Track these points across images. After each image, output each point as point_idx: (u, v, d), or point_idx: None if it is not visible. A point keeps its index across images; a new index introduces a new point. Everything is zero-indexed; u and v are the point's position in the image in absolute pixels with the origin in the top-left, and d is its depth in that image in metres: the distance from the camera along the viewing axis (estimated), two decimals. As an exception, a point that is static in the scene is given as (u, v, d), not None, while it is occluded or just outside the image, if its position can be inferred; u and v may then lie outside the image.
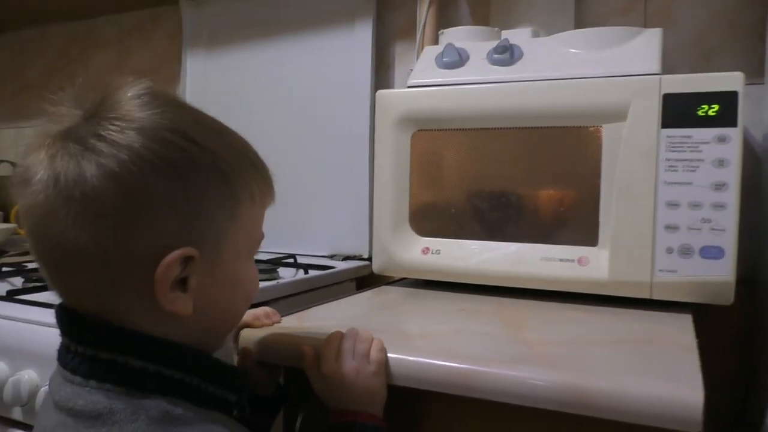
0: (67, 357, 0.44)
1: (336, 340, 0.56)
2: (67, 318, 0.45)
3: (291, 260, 1.17)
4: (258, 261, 1.14)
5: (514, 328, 0.65)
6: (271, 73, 1.32)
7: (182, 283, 0.43)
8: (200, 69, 1.42)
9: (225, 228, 0.45)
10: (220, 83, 1.39)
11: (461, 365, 0.53)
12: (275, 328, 0.64)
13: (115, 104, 0.42)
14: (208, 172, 0.43)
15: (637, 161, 0.73)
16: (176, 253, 0.41)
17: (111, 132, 0.41)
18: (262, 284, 0.95)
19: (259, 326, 0.64)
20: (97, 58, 1.64)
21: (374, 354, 0.55)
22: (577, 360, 0.54)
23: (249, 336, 0.62)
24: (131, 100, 0.43)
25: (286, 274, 1.04)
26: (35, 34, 1.76)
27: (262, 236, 0.50)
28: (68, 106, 0.43)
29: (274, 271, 1.03)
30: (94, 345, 0.43)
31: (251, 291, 0.51)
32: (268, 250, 1.31)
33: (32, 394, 0.69)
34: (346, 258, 1.22)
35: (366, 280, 1.14)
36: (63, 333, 0.45)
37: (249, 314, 0.64)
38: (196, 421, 0.42)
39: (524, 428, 0.55)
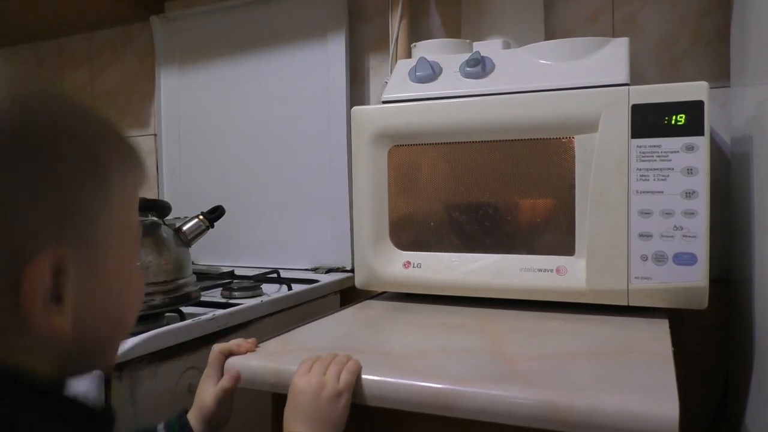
0: None
1: (313, 358, 0.58)
2: None
3: (274, 275, 1.17)
4: (241, 277, 1.14)
5: (496, 344, 0.66)
6: (247, 88, 1.32)
7: (56, 296, 0.34)
8: (174, 86, 1.41)
9: (99, 221, 0.36)
10: (195, 100, 1.39)
11: (443, 385, 0.54)
12: (259, 354, 0.64)
13: None
14: (70, 151, 0.34)
15: (609, 171, 0.75)
16: (43, 259, 0.33)
17: None
18: (246, 302, 0.94)
19: (244, 352, 0.64)
20: (68, 78, 1.63)
21: (344, 375, 0.55)
22: (558, 376, 0.55)
23: (235, 363, 0.62)
24: None
25: (270, 290, 1.04)
26: (3, 54, 1.73)
27: (140, 230, 0.42)
28: None
29: (258, 287, 1.03)
30: None
31: (138, 298, 0.43)
32: (249, 264, 1.31)
33: None
34: (329, 270, 1.23)
35: (350, 291, 1.15)
36: None
37: (231, 342, 0.64)
38: None
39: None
